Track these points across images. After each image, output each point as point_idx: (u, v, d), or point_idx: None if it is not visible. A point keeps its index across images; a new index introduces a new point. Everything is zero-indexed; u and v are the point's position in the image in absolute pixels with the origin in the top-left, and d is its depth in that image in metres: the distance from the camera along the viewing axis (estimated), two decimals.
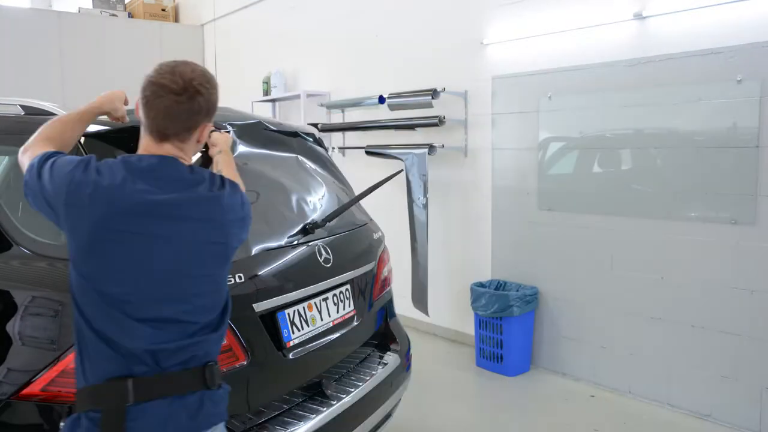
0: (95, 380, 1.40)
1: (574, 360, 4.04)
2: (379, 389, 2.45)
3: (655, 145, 3.54)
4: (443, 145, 4.60)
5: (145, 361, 1.39)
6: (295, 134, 2.66)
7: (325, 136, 5.82)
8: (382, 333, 2.76)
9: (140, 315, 1.38)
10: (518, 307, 4.05)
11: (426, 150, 4.52)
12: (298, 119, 5.99)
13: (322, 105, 5.84)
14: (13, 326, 1.75)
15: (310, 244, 2.27)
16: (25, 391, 1.68)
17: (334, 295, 2.37)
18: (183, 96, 1.47)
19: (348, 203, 2.61)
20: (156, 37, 7.67)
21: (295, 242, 2.22)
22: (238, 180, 1.70)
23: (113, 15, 7.91)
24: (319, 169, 2.72)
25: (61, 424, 1.58)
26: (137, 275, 1.38)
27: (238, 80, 7.33)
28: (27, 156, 1.53)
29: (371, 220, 2.89)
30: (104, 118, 2.02)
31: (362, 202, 2.77)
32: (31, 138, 1.59)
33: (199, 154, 1.83)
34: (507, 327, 4.10)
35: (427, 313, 4.66)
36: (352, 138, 5.63)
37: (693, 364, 3.48)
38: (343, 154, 5.69)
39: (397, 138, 5.03)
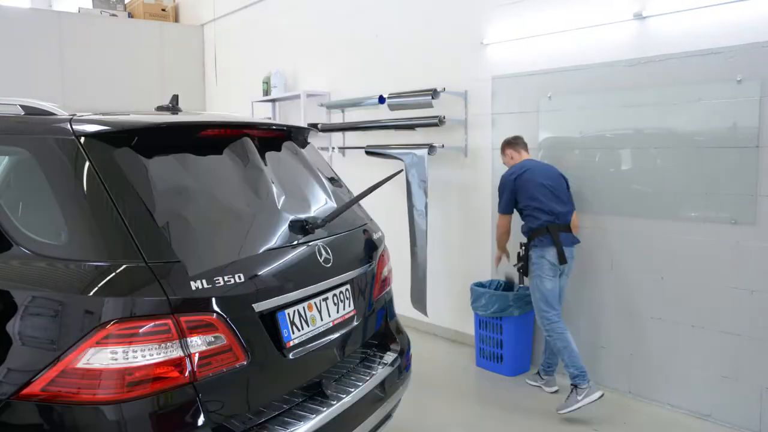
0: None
1: None
2: (380, 389, 2.45)
3: (655, 145, 3.54)
4: (443, 145, 4.60)
5: None
6: (288, 134, 2.66)
7: (325, 136, 5.84)
8: (382, 333, 2.76)
9: None
10: (518, 307, 4.06)
11: (426, 150, 4.52)
12: (298, 119, 5.99)
13: (322, 105, 5.84)
14: (13, 326, 1.75)
15: (310, 244, 2.27)
16: (25, 391, 1.68)
17: (334, 295, 2.37)
18: None
19: (348, 203, 2.60)
20: (156, 37, 7.67)
21: (295, 242, 2.22)
22: None
23: (113, 15, 7.92)
24: (318, 170, 2.72)
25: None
26: None
27: (238, 80, 7.34)
28: None
29: (371, 220, 2.89)
30: (104, 117, 2.01)
31: (362, 202, 2.77)
32: None
33: None
34: (507, 327, 4.10)
35: (426, 314, 4.66)
36: (352, 138, 5.63)
37: (693, 364, 3.48)
38: (343, 154, 5.69)
39: (397, 138, 5.03)
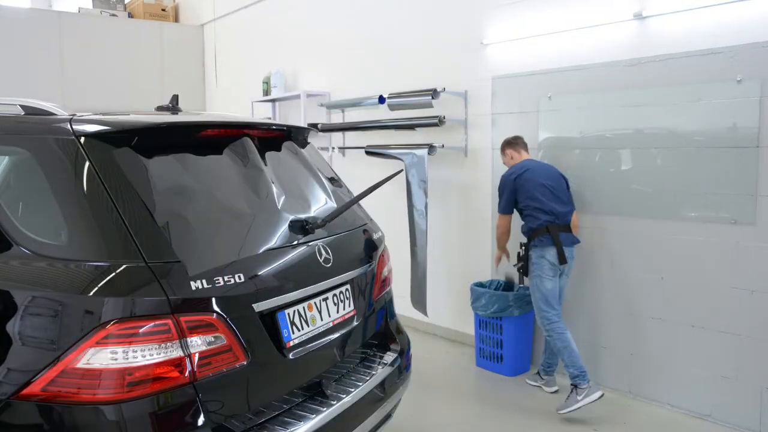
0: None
1: None
2: (380, 389, 2.45)
3: (655, 145, 3.54)
4: (443, 145, 4.60)
5: None
6: (288, 134, 2.66)
7: (325, 136, 5.84)
8: (382, 333, 2.76)
9: None
10: (518, 307, 4.06)
11: (426, 150, 4.52)
12: (298, 119, 5.99)
13: (322, 105, 5.84)
14: (13, 326, 1.75)
15: (310, 244, 2.27)
16: (25, 391, 1.68)
17: (334, 295, 2.37)
18: None
19: (348, 203, 2.60)
20: (156, 37, 7.67)
21: (295, 242, 2.22)
22: None
23: (113, 15, 7.92)
24: (318, 170, 2.72)
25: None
26: None
27: (238, 80, 7.34)
28: None
29: (371, 220, 2.89)
30: (104, 117, 2.01)
31: (362, 202, 2.77)
32: None
33: None
34: (507, 327, 4.10)
35: (426, 314, 4.66)
36: (352, 138, 5.63)
37: (693, 364, 3.48)
38: (343, 154, 5.69)
39: (397, 138, 5.03)
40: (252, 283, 1.96)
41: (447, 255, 4.87)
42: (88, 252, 1.78)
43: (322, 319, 2.27)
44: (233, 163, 2.22)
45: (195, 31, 8.01)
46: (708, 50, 3.27)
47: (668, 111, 3.47)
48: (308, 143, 2.78)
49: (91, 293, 1.68)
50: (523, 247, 3.81)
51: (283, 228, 2.22)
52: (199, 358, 1.77)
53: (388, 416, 2.62)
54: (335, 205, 2.57)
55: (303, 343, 2.15)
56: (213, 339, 1.81)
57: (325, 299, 2.32)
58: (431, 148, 4.53)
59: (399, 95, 4.76)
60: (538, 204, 3.66)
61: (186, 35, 7.97)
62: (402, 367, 2.68)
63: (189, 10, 8.26)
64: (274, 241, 2.14)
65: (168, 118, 2.33)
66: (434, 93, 4.46)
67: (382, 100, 4.91)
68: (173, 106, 2.70)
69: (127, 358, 1.66)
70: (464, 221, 4.74)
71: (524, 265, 3.79)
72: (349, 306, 2.45)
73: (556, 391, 3.85)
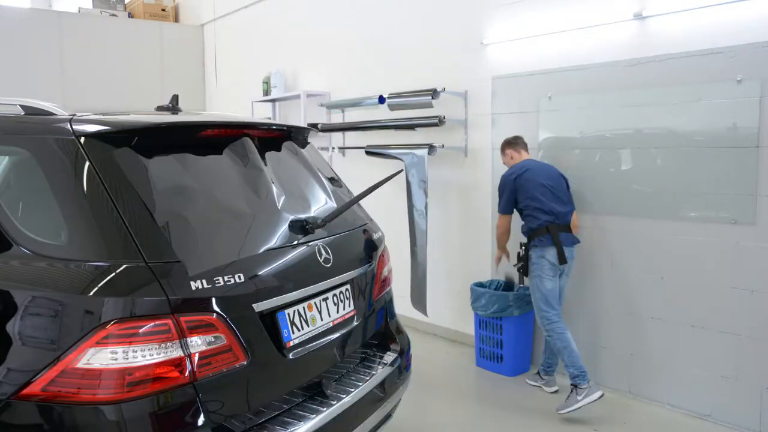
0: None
1: None
2: (380, 389, 2.45)
3: (655, 145, 3.54)
4: (443, 145, 4.60)
5: None
6: (288, 134, 2.66)
7: (325, 136, 5.84)
8: (382, 333, 2.76)
9: None
10: (518, 307, 4.06)
11: (426, 150, 4.52)
12: (298, 119, 5.99)
13: (322, 105, 5.84)
14: (13, 326, 1.75)
15: (310, 244, 2.27)
16: (25, 391, 1.68)
17: (334, 295, 2.37)
18: None
19: (348, 203, 2.61)
20: (156, 37, 7.67)
21: (295, 242, 2.22)
22: None
23: (113, 15, 7.92)
24: (318, 170, 2.72)
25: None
26: None
27: (238, 80, 7.34)
28: None
29: (371, 220, 2.89)
30: (104, 117, 2.01)
31: (362, 202, 2.77)
32: None
33: None
34: (507, 327, 4.10)
35: (426, 314, 4.66)
36: (352, 138, 5.63)
37: (693, 364, 3.48)
38: (343, 154, 5.69)
39: (397, 138, 5.03)
40: (252, 283, 1.96)
41: (447, 255, 4.87)
42: (88, 252, 1.78)
43: (322, 319, 2.27)
44: (233, 163, 2.22)
45: (195, 31, 8.01)
46: (708, 50, 3.27)
47: (668, 111, 3.47)
48: (308, 143, 2.78)
49: (91, 293, 1.68)
50: (523, 247, 3.81)
51: (283, 228, 2.22)
52: (199, 358, 1.77)
53: (388, 416, 2.62)
54: (335, 205, 2.57)
55: (303, 343, 2.15)
56: (213, 339, 1.81)
57: (325, 299, 2.32)
58: (431, 148, 4.52)
59: (399, 95, 4.76)
60: (538, 204, 3.66)
61: (186, 35, 7.97)
62: (402, 367, 2.68)
63: (189, 10, 8.26)
64: (274, 241, 2.14)
65: (168, 118, 2.33)
66: (434, 93, 4.46)
67: (382, 100, 4.91)
68: (173, 106, 2.70)
69: (127, 358, 1.66)
70: (464, 221, 4.74)
71: (524, 264, 3.79)
72: (349, 306, 2.45)
73: (556, 391, 3.85)
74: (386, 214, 3.98)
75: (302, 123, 5.64)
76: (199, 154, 2.14)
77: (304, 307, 2.19)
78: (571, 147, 3.98)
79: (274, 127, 2.58)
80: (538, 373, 4.01)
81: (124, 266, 1.73)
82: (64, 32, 6.99)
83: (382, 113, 5.10)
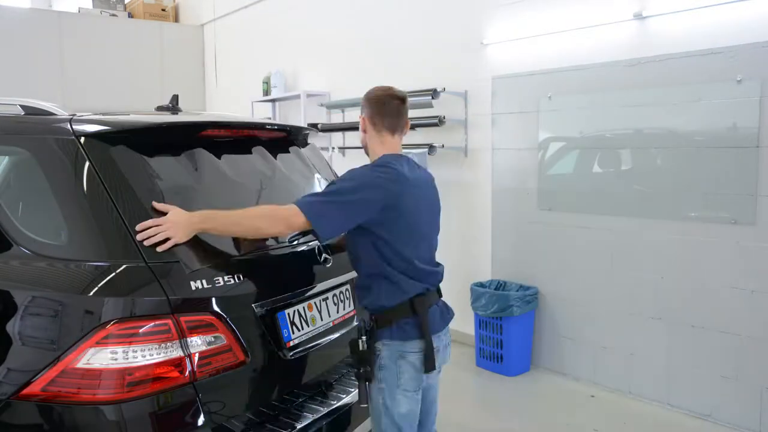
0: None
1: (574, 360, 4.04)
2: None
3: (655, 145, 3.54)
4: (443, 145, 4.60)
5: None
6: (288, 134, 2.66)
7: (325, 136, 5.84)
8: None
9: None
10: (518, 307, 4.05)
11: (426, 150, 4.51)
12: (298, 119, 5.99)
13: (322, 105, 5.84)
14: (13, 326, 1.75)
15: (310, 244, 2.27)
16: (25, 391, 1.68)
17: (334, 295, 2.37)
18: (404, 102, 2.30)
19: None
20: (156, 37, 7.67)
21: (295, 242, 2.22)
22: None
23: (113, 15, 7.92)
24: (318, 170, 2.72)
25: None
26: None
27: (238, 80, 7.33)
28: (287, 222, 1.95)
29: None
30: (104, 117, 2.01)
31: None
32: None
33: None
34: (507, 327, 4.10)
35: None
36: (353, 138, 5.63)
37: (693, 364, 3.48)
38: (343, 154, 5.69)
39: None
40: (252, 283, 1.96)
41: (447, 255, 4.85)
42: (88, 252, 1.78)
43: (322, 319, 2.28)
44: (233, 163, 2.22)
45: (195, 31, 8.01)
46: (708, 50, 3.27)
47: (668, 111, 3.47)
48: (308, 143, 2.78)
49: (91, 293, 1.68)
50: (364, 337, 2.14)
51: None
52: (199, 358, 1.77)
53: None
54: None
55: (303, 343, 2.15)
56: (213, 339, 1.81)
57: (325, 299, 2.32)
58: (431, 148, 4.52)
59: None
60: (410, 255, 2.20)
61: (186, 35, 7.97)
62: None
63: (189, 10, 8.26)
64: (273, 241, 2.14)
65: (168, 118, 2.33)
66: (434, 93, 4.46)
67: None
68: (173, 106, 2.70)
69: (127, 358, 1.66)
70: (464, 221, 4.74)
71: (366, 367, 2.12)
72: (349, 306, 2.46)
73: None
74: None
75: (302, 123, 5.64)
76: (199, 154, 2.14)
77: (304, 307, 2.19)
78: (571, 147, 3.98)
79: (274, 127, 2.58)
80: None
81: (124, 266, 1.73)
82: (64, 32, 6.99)
83: None
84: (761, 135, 3.11)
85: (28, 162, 1.98)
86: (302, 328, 2.16)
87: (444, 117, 4.52)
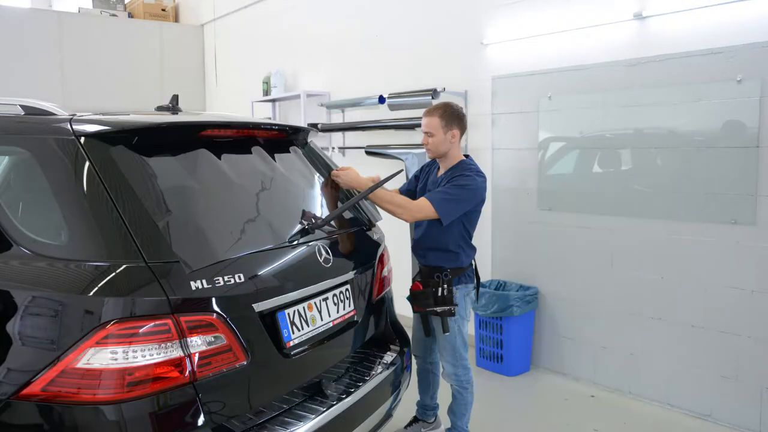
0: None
1: (574, 360, 4.05)
2: (379, 389, 2.46)
3: (655, 145, 3.54)
4: None
5: None
6: (288, 134, 2.66)
7: (325, 136, 5.84)
8: (382, 333, 2.76)
9: None
10: (518, 307, 4.05)
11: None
12: (298, 119, 5.99)
13: (322, 105, 5.84)
14: (13, 326, 1.75)
15: (310, 244, 2.27)
16: (25, 391, 1.68)
17: (334, 295, 2.37)
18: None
19: (348, 203, 2.61)
20: (156, 37, 7.67)
21: (295, 242, 2.22)
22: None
23: (113, 15, 7.92)
24: (317, 170, 2.72)
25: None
26: None
27: (238, 80, 7.33)
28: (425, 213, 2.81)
29: (371, 220, 2.89)
30: (104, 117, 2.01)
31: (362, 201, 2.78)
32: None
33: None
34: (507, 327, 4.10)
35: None
36: (352, 138, 5.63)
37: (693, 364, 3.48)
38: (343, 154, 5.69)
39: (397, 138, 5.03)
40: (252, 283, 1.96)
41: None
42: (88, 252, 1.78)
43: (322, 319, 2.28)
44: (233, 163, 2.22)
45: (195, 31, 8.00)
46: (708, 50, 3.27)
47: (668, 111, 3.47)
48: (308, 143, 2.78)
49: (91, 293, 1.68)
50: (444, 282, 2.94)
51: (283, 228, 2.22)
52: (199, 358, 1.77)
53: (388, 416, 2.62)
54: (334, 206, 2.57)
55: (303, 343, 2.15)
56: (213, 339, 1.82)
57: (325, 299, 2.32)
58: None
59: (399, 95, 4.76)
60: (472, 234, 3.11)
61: (186, 35, 7.97)
62: (402, 367, 2.69)
63: (189, 10, 8.26)
64: (274, 241, 2.15)
65: (168, 118, 2.33)
66: (434, 93, 4.46)
67: (382, 100, 4.91)
68: (173, 106, 2.70)
69: (127, 358, 1.66)
70: None
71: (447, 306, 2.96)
72: (349, 306, 2.46)
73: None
74: (386, 214, 3.98)
75: (302, 123, 5.64)
76: (199, 154, 2.14)
77: (304, 307, 2.20)
78: (571, 147, 3.98)
79: (273, 127, 2.58)
80: (416, 419, 3.34)
81: (124, 266, 1.73)
82: (64, 32, 6.99)
83: (382, 113, 5.10)
84: (761, 135, 3.12)
85: (28, 162, 1.98)
86: (302, 328, 2.16)
87: None
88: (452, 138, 2.94)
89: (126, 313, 1.68)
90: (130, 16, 8.12)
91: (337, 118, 5.81)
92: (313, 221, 2.34)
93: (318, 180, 2.65)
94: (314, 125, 5.26)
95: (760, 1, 3.09)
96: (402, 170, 3.00)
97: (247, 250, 2.01)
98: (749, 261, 3.21)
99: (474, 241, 3.10)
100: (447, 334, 2.92)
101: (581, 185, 3.91)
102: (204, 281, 1.81)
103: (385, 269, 2.81)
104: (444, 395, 3.30)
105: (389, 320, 2.85)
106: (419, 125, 4.71)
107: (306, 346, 2.16)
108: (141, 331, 1.69)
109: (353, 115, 5.61)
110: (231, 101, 7.47)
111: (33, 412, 1.70)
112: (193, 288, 1.78)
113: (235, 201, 2.14)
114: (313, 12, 6.05)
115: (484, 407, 3.81)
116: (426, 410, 3.34)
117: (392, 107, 4.87)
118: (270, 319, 2.03)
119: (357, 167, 2.86)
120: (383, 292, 2.77)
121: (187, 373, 1.74)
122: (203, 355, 1.79)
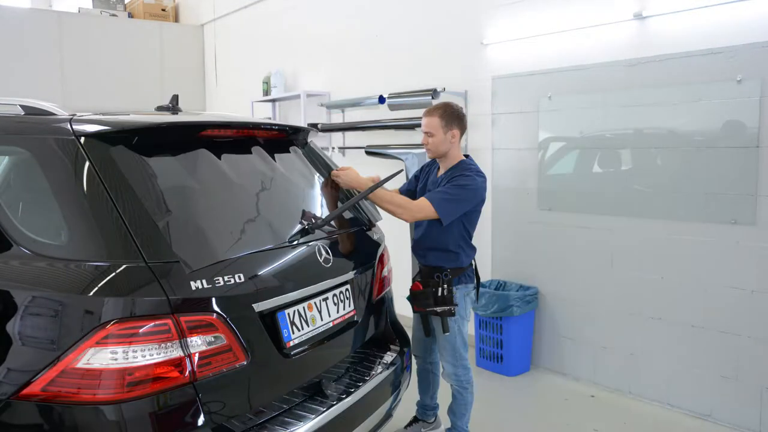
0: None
1: (574, 360, 4.05)
2: (379, 389, 2.46)
3: (655, 145, 3.54)
4: None
5: None
6: (288, 134, 2.66)
7: (325, 136, 5.84)
8: (382, 333, 2.76)
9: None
10: (518, 307, 4.05)
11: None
12: (298, 119, 5.99)
13: (322, 105, 5.84)
14: (13, 326, 1.75)
15: (310, 244, 2.27)
16: (25, 391, 1.68)
17: (334, 295, 2.37)
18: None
19: (348, 203, 2.61)
20: (156, 37, 7.67)
21: (295, 242, 2.22)
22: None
23: (113, 15, 7.92)
24: (317, 170, 2.72)
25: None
26: None
27: (238, 80, 7.33)
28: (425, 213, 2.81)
29: (371, 220, 2.89)
30: (104, 117, 2.01)
31: (362, 201, 2.78)
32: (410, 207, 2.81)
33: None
34: (507, 327, 4.10)
35: None
36: (352, 138, 5.63)
37: (693, 364, 3.48)
38: (343, 154, 5.69)
39: (397, 138, 5.03)
40: (252, 283, 1.96)
41: None
42: (88, 252, 1.78)
43: (322, 319, 2.28)
44: (233, 163, 2.22)
45: (195, 31, 8.00)
46: (708, 50, 3.27)
47: (668, 111, 3.47)
48: (308, 143, 2.78)
49: (91, 293, 1.68)
50: (444, 282, 2.94)
51: (283, 228, 2.22)
52: (199, 358, 1.78)
53: (388, 416, 2.62)
54: (334, 206, 2.57)
55: (303, 343, 2.15)
56: (213, 339, 1.82)
57: (325, 299, 2.32)
58: None
59: (399, 95, 4.76)
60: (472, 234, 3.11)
61: (186, 35, 7.97)
62: (402, 367, 2.69)
63: (189, 10, 8.26)
64: (274, 241, 2.15)
65: (168, 118, 2.33)
66: (434, 93, 4.46)
67: (382, 100, 4.91)
68: (173, 106, 2.70)
69: (127, 358, 1.66)
70: None
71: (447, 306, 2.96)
72: (349, 306, 2.46)
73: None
74: (386, 214, 3.98)
75: (302, 123, 5.64)
76: (199, 154, 2.14)
77: (304, 307, 2.20)
78: (571, 147, 3.98)
79: (273, 127, 2.59)
80: (416, 419, 3.34)
81: (124, 266, 1.73)
82: (64, 32, 6.99)
83: (382, 113, 5.10)
84: (761, 135, 3.12)
85: (28, 162, 1.98)
86: (302, 328, 2.16)
87: None
88: (452, 138, 2.95)
89: (126, 313, 1.68)
90: (130, 16, 8.12)
91: (337, 118, 5.81)
92: (313, 221, 2.34)
93: (318, 180, 2.65)
94: (314, 125, 5.26)
95: (760, 1, 3.09)
96: (402, 170, 3.00)
97: (247, 250, 2.01)
98: (749, 261, 3.21)
99: (474, 241, 3.11)
100: (447, 334, 2.93)
101: (581, 185, 3.91)
102: (204, 281, 1.81)
103: (385, 269, 2.81)
104: (444, 395, 3.30)
105: (389, 320, 2.85)
106: (419, 125, 4.71)
107: (306, 346, 2.16)
108: (141, 331, 1.69)
109: (353, 115, 5.61)
110: (231, 101, 7.47)
111: (33, 412, 1.70)
112: (193, 288, 1.78)
113: (235, 201, 2.14)
114: (313, 12, 6.05)
115: (484, 407, 3.81)
116: (426, 410, 3.34)
117: (392, 107, 4.87)
118: (270, 319, 2.03)
119: (357, 167, 2.86)
120: (383, 292, 2.77)
121: (187, 373, 1.75)
122: (203, 355, 1.79)
